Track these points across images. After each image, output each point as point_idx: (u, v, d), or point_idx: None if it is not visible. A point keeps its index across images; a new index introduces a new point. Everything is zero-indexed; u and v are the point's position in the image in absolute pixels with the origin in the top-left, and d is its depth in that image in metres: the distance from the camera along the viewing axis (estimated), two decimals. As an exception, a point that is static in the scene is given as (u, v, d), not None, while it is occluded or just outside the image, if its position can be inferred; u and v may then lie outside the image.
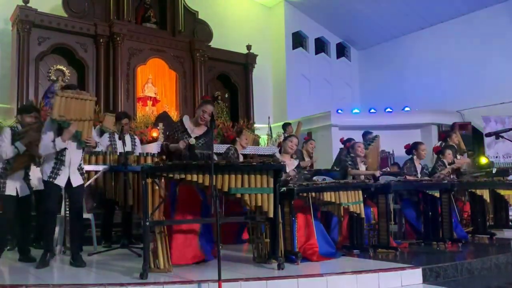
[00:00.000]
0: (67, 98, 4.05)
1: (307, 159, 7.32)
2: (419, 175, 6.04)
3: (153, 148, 7.56)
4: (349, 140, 6.78)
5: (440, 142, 7.36)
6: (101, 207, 5.90)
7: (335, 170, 6.72)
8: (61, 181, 4.13)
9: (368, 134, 7.26)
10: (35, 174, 4.90)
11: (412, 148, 6.23)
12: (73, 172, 4.18)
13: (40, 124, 4.49)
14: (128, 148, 5.63)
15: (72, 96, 4.07)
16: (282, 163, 4.20)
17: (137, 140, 5.99)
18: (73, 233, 4.37)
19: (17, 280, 3.65)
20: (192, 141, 4.38)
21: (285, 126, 9.51)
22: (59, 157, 4.12)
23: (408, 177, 5.79)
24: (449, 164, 6.36)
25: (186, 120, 4.58)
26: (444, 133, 7.62)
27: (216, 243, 4.42)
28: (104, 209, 5.74)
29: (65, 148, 4.11)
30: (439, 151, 6.56)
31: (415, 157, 6.16)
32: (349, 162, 5.70)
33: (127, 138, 5.77)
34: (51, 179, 4.10)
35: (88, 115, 4.14)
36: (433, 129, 11.27)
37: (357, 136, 7.35)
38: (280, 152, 5.25)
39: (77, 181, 4.20)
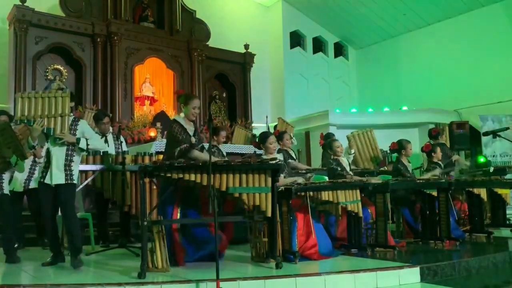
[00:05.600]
0: (30, 98, 4.08)
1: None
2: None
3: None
4: (328, 136, 6.56)
5: (430, 140, 7.24)
6: (95, 207, 5.89)
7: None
8: (48, 179, 4.16)
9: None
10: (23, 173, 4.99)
11: (399, 148, 6.00)
12: (56, 169, 4.16)
13: (5, 124, 4.54)
14: (112, 148, 5.63)
15: (36, 96, 4.10)
16: (279, 162, 4.20)
17: (123, 139, 6.02)
18: (68, 233, 4.42)
19: (14, 280, 3.64)
20: (193, 139, 4.38)
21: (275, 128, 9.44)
22: (48, 157, 4.20)
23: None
24: (440, 160, 6.29)
25: (181, 120, 4.50)
26: (435, 131, 7.47)
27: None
28: (96, 209, 5.73)
29: (44, 147, 4.19)
30: (429, 150, 6.35)
31: (403, 156, 5.96)
32: (339, 169, 5.32)
33: (110, 137, 5.75)
34: (42, 179, 4.20)
35: (60, 111, 4.12)
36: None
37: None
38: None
39: (58, 179, 4.15)
